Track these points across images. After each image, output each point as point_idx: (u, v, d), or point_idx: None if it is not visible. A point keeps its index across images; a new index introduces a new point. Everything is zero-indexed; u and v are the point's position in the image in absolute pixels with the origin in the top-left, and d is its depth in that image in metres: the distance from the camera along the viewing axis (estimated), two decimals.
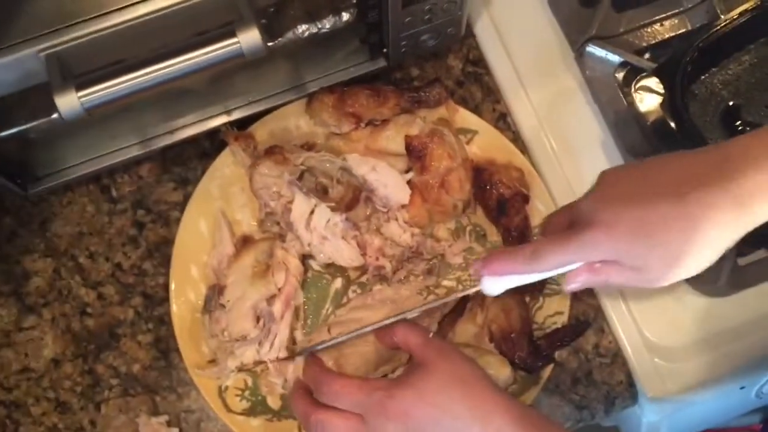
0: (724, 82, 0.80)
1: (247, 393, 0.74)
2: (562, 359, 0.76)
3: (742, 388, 0.81)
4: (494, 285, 0.64)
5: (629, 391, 0.76)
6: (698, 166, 0.57)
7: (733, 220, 0.55)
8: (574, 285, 0.62)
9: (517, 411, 0.58)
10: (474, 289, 0.66)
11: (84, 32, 0.57)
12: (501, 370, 0.68)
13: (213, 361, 0.74)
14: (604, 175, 0.63)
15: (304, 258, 0.77)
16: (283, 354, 0.73)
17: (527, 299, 0.74)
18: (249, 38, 0.58)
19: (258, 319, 0.73)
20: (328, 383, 0.61)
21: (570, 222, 0.63)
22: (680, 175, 0.57)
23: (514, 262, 0.62)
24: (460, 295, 0.69)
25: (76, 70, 0.58)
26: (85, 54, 0.58)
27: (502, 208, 0.75)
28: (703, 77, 0.80)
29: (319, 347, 0.70)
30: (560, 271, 0.62)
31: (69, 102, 0.56)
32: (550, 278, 0.74)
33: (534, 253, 0.61)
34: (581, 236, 0.58)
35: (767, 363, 0.78)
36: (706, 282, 0.77)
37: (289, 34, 0.66)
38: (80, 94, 0.56)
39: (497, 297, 0.67)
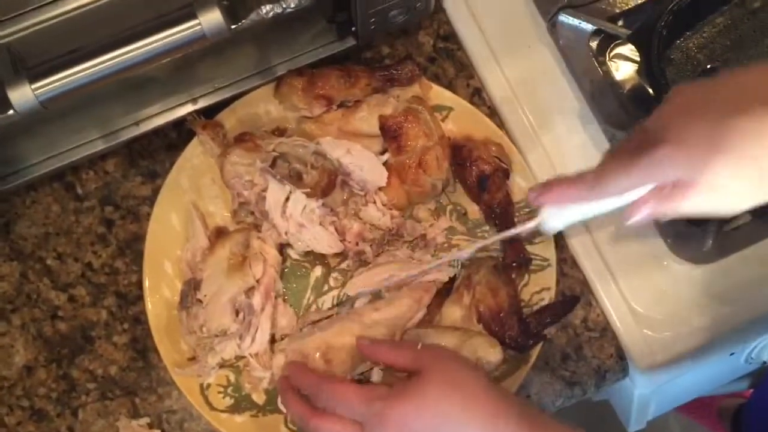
0: (700, 46, 0.79)
1: (230, 389, 0.72)
2: (551, 335, 0.75)
3: (731, 354, 0.80)
4: (555, 218, 0.60)
5: (619, 364, 0.75)
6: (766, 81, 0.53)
7: None
8: (638, 215, 0.57)
9: (518, 411, 0.57)
10: (532, 224, 0.62)
11: (35, 20, 0.55)
12: (491, 352, 0.66)
13: (193, 359, 0.72)
14: (675, 89, 0.57)
15: (282, 247, 0.75)
16: (266, 348, 0.71)
17: (513, 276, 0.73)
18: (211, 19, 0.56)
19: (237, 313, 0.71)
20: (328, 390, 0.60)
21: (638, 144, 0.57)
22: (754, 88, 0.53)
23: (577, 188, 0.58)
24: (512, 233, 0.65)
25: (29, 61, 0.56)
26: (38, 44, 0.55)
27: (482, 184, 0.74)
28: (678, 41, 0.79)
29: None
30: (627, 200, 0.57)
31: (23, 95, 0.53)
32: (539, 254, 0.73)
33: (599, 176, 0.56)
34: (653, 154, 0.53)
35: (756, 328, 0.78)
36: (691, 249, 0.76)
37: (253, 15, 0.64)
38: (34, 86, 0.53)
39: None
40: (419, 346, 0.63)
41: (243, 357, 0.71)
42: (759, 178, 0.53)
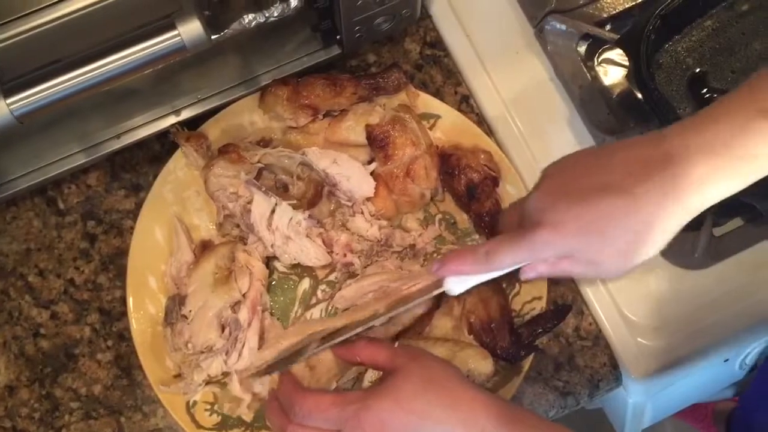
0: (689, 49, 0.78)
1: (216, 407, 0.70)
2: (543, 345, 0.74)
3: (725, 360, 0.79)
4: (456, 285, 0.64)
5: (613, 373, 0.74)
6: (639, 159, 0.57)
7: (679, 210, 0.56)
8: (530, 275, 0.62)
9: (498, 407, 0.56)
10: (437, 291, 0.65)
11: (10, 33, 0.53)
12: (482, 363, 0.65)
13: (178, 376, 0.70)
14: (546, 171, 0.62)
15: (268, 260, 0.74)
16: (254, 364, 0.69)
17: (504, 286, 0.71)
18: (190, 30, 0.54)
19: (223, 329, 0.69)
20: (300, 402, 0.58)
21: (520, 220, 0.64)
22: (623, 170, 0.57)
23: (469, 263, 0.62)
24: (417, 302, 0.67)
25: (4, 75, 0.54)
26: (13, 57, 0.54)
27: (471, 193, 0.73)
28: (667, 45, 0.78)
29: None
30: (517, 266, 0.62)
31: None
32: None
33: (488, 254, 0.61)
34: (532, 237, 0.58)
35: (750, 334, 0.77)
36: (683, 255, 0.75)
37: (235, 25, 0.63)
38: (9, 100, 0.52)
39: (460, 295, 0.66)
40: (396, 344, 0.63)
41: (229, 373, 0.70)
42: (626, 252, 0.58)
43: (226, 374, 0.70)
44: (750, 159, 0.54)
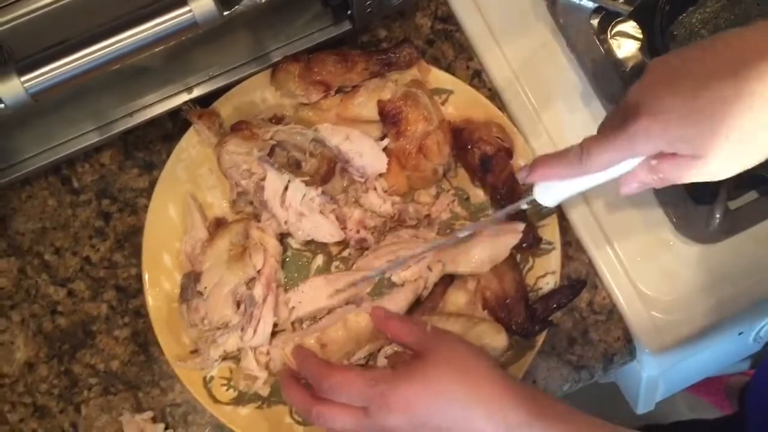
0: (703, 21, 0.77)
1: (233, 382, 0.71)
2: (557, 319, 0.74)
3: (740, 334, 0.79)
4: (547, 193, 0.60)
5: (627, 347, 0.75)
6: (747, 43, 0.52)
7: None
8: (629, 187, 0.58)
9: (524, 396, 0.56)
10: (526, 201, 0.62)
11: (23, 11, 0.53)
12: (497, 338, 0.65)
13: (195, 352, 0.71)
14: (651, 63, 0.57)
15: (282, 236, 0.74)
16: (266, 341, 0.69)
17: (518, 260, 0.71)
18: (202, 6, 0.54)
19: (239, 305, 0.70)
20: (327, 377, 0.59)
21: (619, 120, 0.58)
22: (730, 54, 0.52)
23: (563, 164, 0.58)
24: (508, 210, 0.64)
25: (18, 53, 0.54)
26: (27, 35, 0.54)
27: (486, 166, 0.72)
28: (681, 17, 0.77)
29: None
30: (615, 173, 0.58)
31: (12, 88, 0.52)
32: (543, 238, 0.72)
33: (580, 153, 0.57)
34: (630, 128, 0.54)
35: (764, 307, 0.77)
36: (697, 228, 0.75)
37: (246, 1, 0.62)
38: (23, 78, 0.52)
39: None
40: (428, 327, 0.62)
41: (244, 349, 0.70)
42: (738, 145, 0.53)
43: (242, 350, 0.70)
44: None
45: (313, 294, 0.71)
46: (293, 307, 0.71)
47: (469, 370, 0.57)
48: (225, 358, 0.71)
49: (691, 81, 0.53)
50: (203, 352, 0.69)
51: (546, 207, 0.63)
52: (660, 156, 0.56)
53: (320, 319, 0.70)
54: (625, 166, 0.57)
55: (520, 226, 0.69)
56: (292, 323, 0.71)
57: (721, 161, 0.54)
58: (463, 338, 0.63)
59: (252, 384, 0.70)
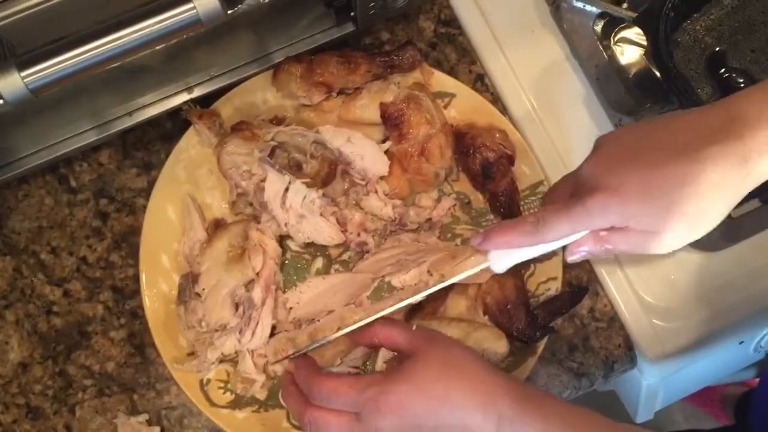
0: (708, 28, 0.77)
1: (230, 385, 0.70)
2: (558, 326, 0.74)
3: (741, 343, 0.79)
4: (500, 261, 0.61)
5: (628, 354, 0.74)
6: (703, 124, 0.55)
7: (742, 177, 0.54)
8: (576, 256, 0.60)
9: (518, 391, 0.56)
10: (479, 267, 0.62)
11: (24, 6, 0.52)
12: (497, 344, 0.65)
13: (192, 354, 0.70)
14: (600, 140, 0.59)
15: (282, 239, 0.73)
16: (265, 342, 0.69)
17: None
18: (206, 3, 0.53)
19: (237, 307, 0.69)
20: (318, 386, 0.58)
21: (573, 191, 0.60)
22: (686, 134, 0.54)
23: (518, 233, 0.59)
24: (459, 278, 0.64)
25: (18, 49, 0.54)
26: (26, 31, 0.53)
27: (487, 172, 0.72)
28: (685, 24, 0.77)
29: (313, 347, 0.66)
30: (566, 241, 0.59)
31: (12, 83, 0.51)
32: None
33: (539, 222, 0.58)
34: (587, 202, 0.55)
35: (765, 315, 0.76)
36: None
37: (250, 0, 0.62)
38: (24, 73, 0.51)
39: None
40: (414, 326, 0.62)
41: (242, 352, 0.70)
42: (690, 220, 0.55)
43: (240, 352, 0.70)
44: None
45: (312, 294, 0.70)
46: (291, 308, 0.70)
47: (460, 367, 0.57)
48: (222, 360, 0.70)
49: (647, 157, 0.55)
50: (200, 355, 0.69)
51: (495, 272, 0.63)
52: (610, 228, 0.57)
53: (318, 320, 0.69)
54: (576, 235, 0.58)
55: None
56: (291, 323, 0.70)
57: (672, 237, 0.56)
58: (452, 338, 0.63)
59: (249, 387, 0.69)
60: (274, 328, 0.70)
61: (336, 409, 0.57)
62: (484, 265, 0.62)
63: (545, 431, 0.54)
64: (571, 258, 0.60)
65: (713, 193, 0.54)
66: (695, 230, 0.56)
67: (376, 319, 0.64)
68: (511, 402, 0.55)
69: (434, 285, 0.64)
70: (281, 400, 0.69)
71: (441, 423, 0.55)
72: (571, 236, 0.58)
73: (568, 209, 0.56)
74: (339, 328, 0.65)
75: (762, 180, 0.55)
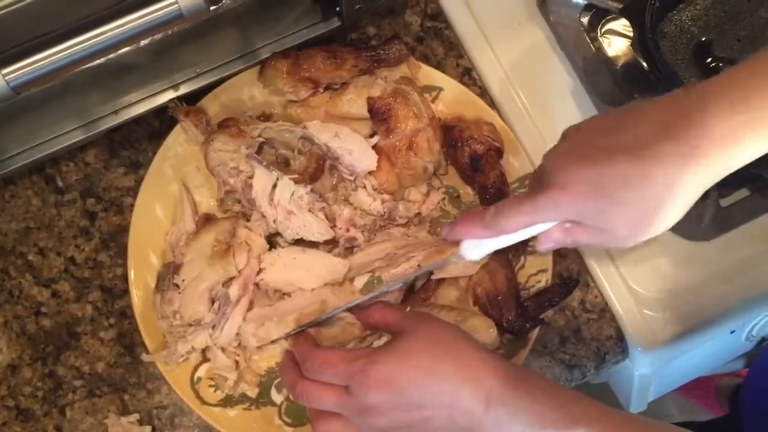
0: (694, 18, 0.77)
1: (220, 383, 0.70)
2: (549, 318, 0.74)
3: (732, 332, 0.79)
4: (472, 250, 0.62)
5: (619, 345, 0.74)
6: (658, 118, 0.54)
7: (701, 172, 0.53)
8: (544, 246, 0.61)
9: (506, 368, 0.56)
10: (453, 258, 0.64)
11: (2, 4, 0.52)
12: (487, 334, 0.65)
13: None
14: (565, 132, 0.61)
15: (271, 237, 0.73)
16: (230, 342, 0.69)
17: (510, 257, 0.71)
18: None
19: (213, 302, 0.69)
20: (312, 359, 0.59)
21: (534, 182, 0.62)
22: (642, 128, 0.54)
23: (477, 225, 0.61)
24: (435, 266, 0.66)
25: None
26: (7, 28, 0.52)
27: (475, 165, 0.72)
28: (671, 14, 0.77)
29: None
30: (533, 232, 0.60)
31: None
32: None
33: (495, 215, 0.59)
34: (538, 198, 0.57)
35: (756, 305, 0.76)
36: (689, 226, 0.74)
37: None
38: (5, 71, 0.51)
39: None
40: (407, 309, 0.63)
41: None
42: (638, 218, 0.55)
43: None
44: None
45: (287, 261, 0.69)
46: (264, 268, 0.70)
47: (448, 343, 0.57)
48: (190, 353, 0.69)
49: (597, 156, 0.55)
50: (170, 346, 0.68)
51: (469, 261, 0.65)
52: (572, 221, 0.58)
53: (289, 295, 0.69)
54: (542, 226, 0.59)
55: None
56: (257, 284, 0.70)
57: (625, 235, 0.56)
58: (443, 320, 0.63)
59: (224, 384, 0.69)
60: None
61: (327, 382, 0.58)
62: (455, 256, 0.64)
63: (537, 412, 0.54)
64: (541, 248, 0.61)
65: (664, 193, 0.53)
66: (648, 228, 0.56)
67: (374, 304, 0.65)
68: (499, 378, 0.54)
69: (411, 273, 0.66)
70: (273, 398, 0.69)
71: (428, 400, 0.55)
72: (535, 228, 0.59)
73: (520, 204, 0.58)
74: (322, 311, 0.66)
75: (724, 174, 0.54)
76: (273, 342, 0.68)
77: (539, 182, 0.58)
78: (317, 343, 0.65)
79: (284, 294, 0.70)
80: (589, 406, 0.55)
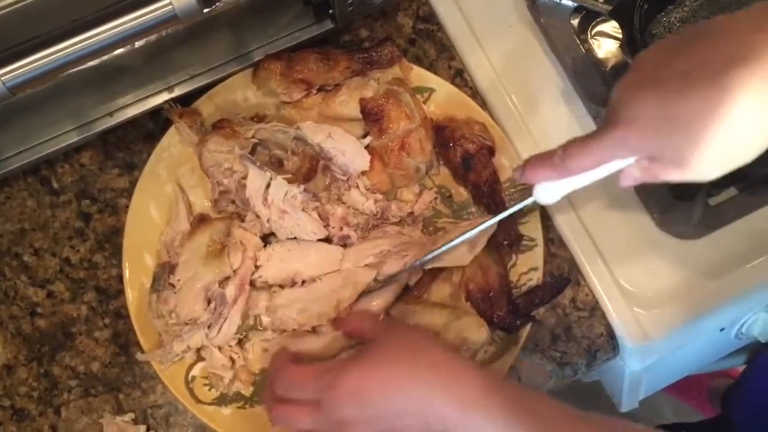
0: (682, 20, 0.78)
1: (215, 381, 0.70)
2: (540, 316, 0.74)
3: (721, 330, 0.80)
4: (546, 193, 0.61)
5: (610, 343, 0.75)
6: (731, 39, 0.49)
7: None
8: (626, 182, 0.57)
9: (480, 374, 0.54)
10: (527, 201, 0.63)
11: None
12: (478, 332, 0.65)
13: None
14: (636, 57, 0.55)
15: (266, 237, 0.73)
16: (229, 342, 0.69)
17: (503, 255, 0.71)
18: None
19: (209, 302, 0.69)
20: (281, 376, 0.58)
21: (605, 114, 0.57)
22: (712, 54, 0.49)
23: (545, 167, 0.58)
24: (511, 211, 0.65)
25: None
26: (3, 29, 0.53)
27: (467, 164, 0.72)
28: (660, 15, 0.78)
29: None
30: (611, 170, 0.57)
31: None
32: (525, 234, 0.72)
33: (563, 156, 0.56)
34: (606, 135, 0.53)
35: (745, 303, 0.77)
36: (678, 225, 0.75)
37: None
38: (1, 72, 0.51)
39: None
40: (380, 318, 0.62)
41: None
42: (721, 151, 0.51)
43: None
44: None
45: (283, 255, 0.70)
46: (260, 266, 0.70)
47: (422, 353, 0.55)
48: (185, 352, 0.69)
49: (668, 86, 0.51)
50: (166, 345, 0.68)
51: (545, 205, 0.64)
52: (650, 157, 0.55)
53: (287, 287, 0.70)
54: (618, 164, 0.57)
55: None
56: (252, 283, 0.70)
57: (706, 165, 0.52)
58: (414, 326, 0.63)
59: (218, 383, 0.69)
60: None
61: (298, 399, 0.57)
62: (530, 199, 0.62)
63: (512, 417, 0.52)
64: (622, 184, 0.57)
65: (744, 120, 0.48)
66: (729, 158, 0.51)
67: (350, 312, 0.65)
68: (476, 386, 0.53)
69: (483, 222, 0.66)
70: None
71: (400, 407, 0.53)
72: (612, 164, 0.56)
73: (588, 143, 0.55)
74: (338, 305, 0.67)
75: None
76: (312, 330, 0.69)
77: (609, 116, 0.55)
78: (296, 358, 0.64)
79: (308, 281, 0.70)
80: (564, 411, 0.54)
